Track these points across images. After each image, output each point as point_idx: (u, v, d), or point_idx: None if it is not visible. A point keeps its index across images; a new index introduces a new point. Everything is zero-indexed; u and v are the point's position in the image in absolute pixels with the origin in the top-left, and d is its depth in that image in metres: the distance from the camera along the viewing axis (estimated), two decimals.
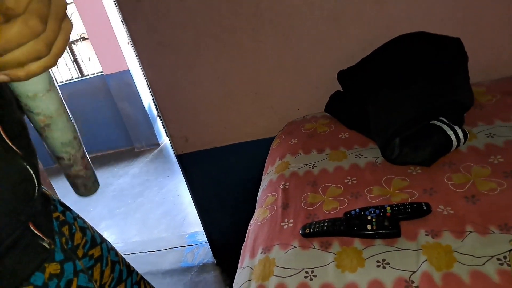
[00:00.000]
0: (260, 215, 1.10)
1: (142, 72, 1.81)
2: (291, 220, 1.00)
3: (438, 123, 1.11)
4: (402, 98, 1.19)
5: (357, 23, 1.56)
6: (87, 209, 3.33)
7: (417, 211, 0.87)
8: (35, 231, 0.53)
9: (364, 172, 1.13)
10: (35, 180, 0.51)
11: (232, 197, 2.08)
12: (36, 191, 0.52)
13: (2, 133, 0.47)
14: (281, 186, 1.17)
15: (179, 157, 2.01)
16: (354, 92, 1.45)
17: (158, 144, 4.71)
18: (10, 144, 0.47)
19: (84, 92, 4.68)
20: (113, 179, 4.07)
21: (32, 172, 0.50)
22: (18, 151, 0.48)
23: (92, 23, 4.17)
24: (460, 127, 1.10)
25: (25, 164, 0.49)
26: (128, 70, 4.35)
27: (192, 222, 2.84)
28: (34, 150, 0.54)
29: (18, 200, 0.48)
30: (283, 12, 1.58)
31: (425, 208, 0.87)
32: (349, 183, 1.10)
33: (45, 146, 0.54)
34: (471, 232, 0.80)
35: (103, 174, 4.31)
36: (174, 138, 1.96)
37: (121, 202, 3.50)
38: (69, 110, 0.58)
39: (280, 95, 1.76)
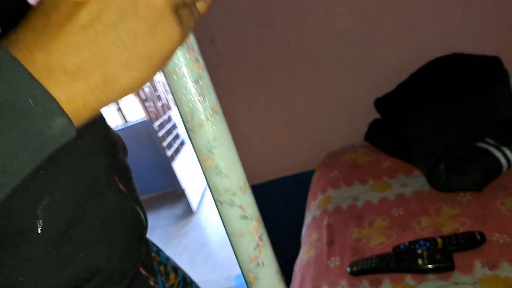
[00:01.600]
0: (305, 254, 1.08)
1: None
2: (338, 258, 0.97)
3: (484, 146, 1.07)
4: (444, 120, 1.16)
5: (387, 49, 1.55)
6: None
7: (471, 241, 0.82)
8: (143, 272, 0.56)
9: (410, 202, 1.09)
10: (144, 222, 0.54)
11: (276, 235, 2.04)
12: (144, 230, 0.55)
13: (115, 178, 0.50)
14: (325, 222, 1.15)
15: None
16: (394, 119, 1.42)
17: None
18: (121, 187, 0.51)
19: (129, 138, 4.91)
20: (159, 221, 4.14)
21: (141, 213, 0.53)
22: (127, 193, 0.52)
23: None
24: (509, 148, 1.04)
25: (135, 205, 0.52)
26: (170, 115, 4.59)
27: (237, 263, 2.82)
28: (138, 194, 0.58)
29: (131, 241, 0.51)
30: (312, 45, 1.60)
31: (479, 238, 0.82)
32: (396, 214, 1.06)
33: None
34: None
35: (149, 216, 4.41)
36: None
37: (167, 244, 3.53)
38: None
39: (317, 126, 1.75)
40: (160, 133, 4.36)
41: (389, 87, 1.48)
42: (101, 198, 0.46)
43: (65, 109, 0.26)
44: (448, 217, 0.96)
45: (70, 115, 0.26)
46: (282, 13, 1.58)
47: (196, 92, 0.34)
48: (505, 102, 1.17)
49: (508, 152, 1.02)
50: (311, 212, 1.28)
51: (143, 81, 0.29)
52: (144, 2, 0.27)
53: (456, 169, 1.04)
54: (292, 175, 1.86)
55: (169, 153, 4.31)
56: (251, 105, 1.77)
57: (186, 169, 4.18)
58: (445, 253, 0.81)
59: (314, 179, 1.52)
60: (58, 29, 0.26)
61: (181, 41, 0.29)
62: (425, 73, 1.39)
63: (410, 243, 0.88)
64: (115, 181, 0.50)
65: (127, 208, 0.51)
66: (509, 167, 1.03)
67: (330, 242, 1.05)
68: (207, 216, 3.82)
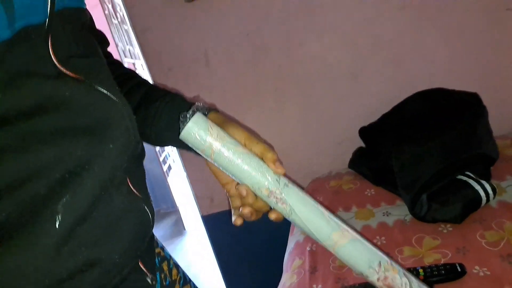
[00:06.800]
0: (287, 280, 1.08)
1: None
2: (320, 285, 0.98)
3: (465, 178, 1.10)
4: (426, 152, 1.19)
5: (376, 80, 1.60)
6: None
7: (452, 273, 0.84)
8: (142, 268, 0.57)
9: (393, 231, 1.10)
10: (151, 223, 0.56)
11: (258, 260, 2.04)
12: (150, 232, 0.57)
13: (128, 181, 0.52)
14: (308, 248, 1.15)
15: (204, 218, 2.01)
16: (378, 148, 1.45)
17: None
18: (134, 190, 0.53)
19: None
20: None
21: (149, 215, 0.55)
22: (139, 195, 0.54)
23: None
24: (488, 182, 1.07)
25: (145, 207, 0.54)
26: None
27: (217, 287, 2.78)
28: (150, 196, 0.60)
29: (135, 240, 0.52)
30: (303, 72, 1.64)
31: (459, 270, 0.84)
32: (378, 243, 1.07)
33: None
34: None
35: None
36: (200, 199, 1.98)
37: None
38: None
39: (304, 152, 1.77)
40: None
41: (375, 117, 1.52)
42: (109, 199, 0.48)
43: None
44: (430, 248, 0.98)
45: None
46: (276, 40, 1.62)
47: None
48: (485, 137, 1.21)
49: (487, 185, 1.05)
50: (294, 238, 1.29)
51: None
52: None
53: (438, 200, 1.07)
54: None
55: (155, 171, 4.17)
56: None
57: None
58: (427, 284, 0.82)
59: None
60: None
61: None
62: (409, 105, 1.44)
63: None
64: (127, 183, 0.52)
65: (135, 210, 0.53)
66: (487, 200, 1.06)
67: (313, 269, 1.05)
68: (192, 237, 3.78)
